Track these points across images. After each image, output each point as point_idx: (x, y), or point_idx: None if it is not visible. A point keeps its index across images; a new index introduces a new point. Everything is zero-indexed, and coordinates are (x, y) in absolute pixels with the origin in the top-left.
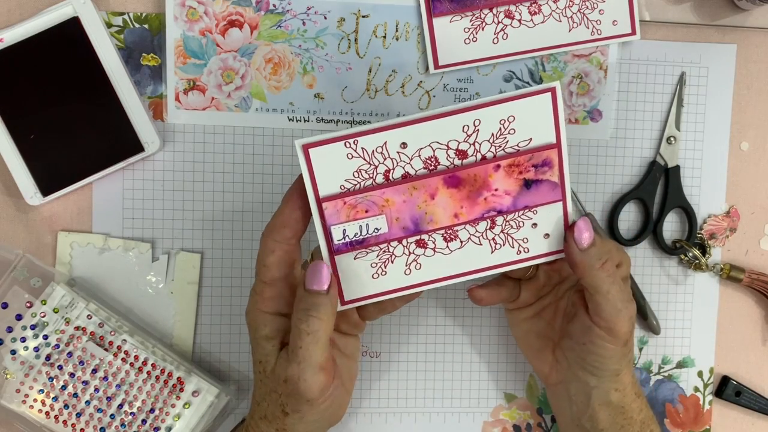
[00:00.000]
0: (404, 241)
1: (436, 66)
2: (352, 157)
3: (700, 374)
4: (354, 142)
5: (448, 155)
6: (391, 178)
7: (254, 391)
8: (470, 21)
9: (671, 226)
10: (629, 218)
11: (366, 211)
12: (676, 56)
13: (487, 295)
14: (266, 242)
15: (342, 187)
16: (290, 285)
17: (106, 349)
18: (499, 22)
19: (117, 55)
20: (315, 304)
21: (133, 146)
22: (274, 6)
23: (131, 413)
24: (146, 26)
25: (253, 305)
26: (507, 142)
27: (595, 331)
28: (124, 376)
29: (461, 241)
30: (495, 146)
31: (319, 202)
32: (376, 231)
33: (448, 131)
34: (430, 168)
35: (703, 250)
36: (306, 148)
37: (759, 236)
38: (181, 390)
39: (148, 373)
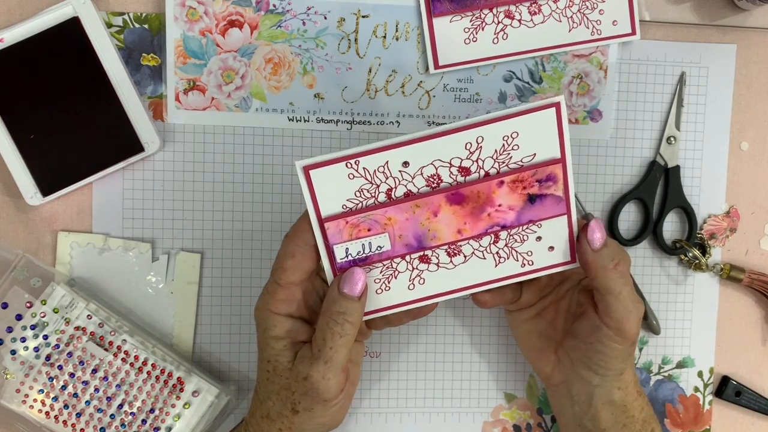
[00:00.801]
0: (407, 257)
1: (436, 66)
2: (354, 177)
3: (700, 374)
4: (355, 162)
5: (451, 172)
6: (393, 196)
7: (257, 389)
8: (470, 21)
9: (671, 226)
10: (629, 218)
11: (368, 230)
12: (676, 56)
13: (492, 298)
14: (287, 245)
15: (344, 207)
16: (304, 289)
17: (106, 349)
18: (499, 22)
19: (117, 55)
20: (349, 308)
21: (133, 146)
22: (274, 6)
23: (131, 413)
24: (146, 26)
25: (263, 304)
26: (510, 158)
27: (604, 331)
28: (124, 376)
29: (465, 256)
30: (498, 162)
31: (321, 222)
32: (379, 249)
33: (450, 149)
34: (433, 186)
35: (703, 250)
36: (307, 169)
37: (759, 236)
38: (181, 390)
39: (148, 373)
